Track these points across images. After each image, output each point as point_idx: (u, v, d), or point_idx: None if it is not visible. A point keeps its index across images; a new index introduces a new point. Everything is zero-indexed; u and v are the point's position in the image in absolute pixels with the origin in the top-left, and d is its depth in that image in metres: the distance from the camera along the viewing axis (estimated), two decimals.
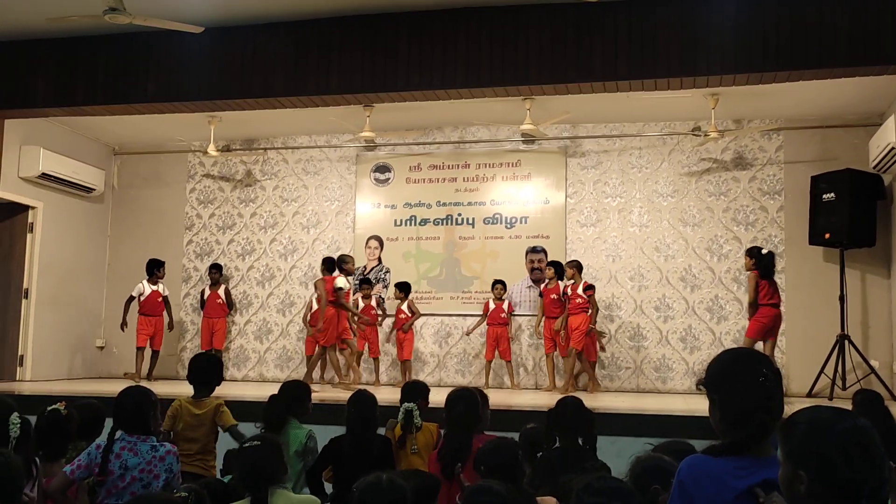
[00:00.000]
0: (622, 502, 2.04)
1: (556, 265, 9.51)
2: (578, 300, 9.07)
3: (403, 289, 10.08)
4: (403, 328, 9.94)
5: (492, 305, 9.76)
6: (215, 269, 10.67)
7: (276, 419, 4.50)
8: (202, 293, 10.72)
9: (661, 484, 2.49)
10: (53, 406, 3.79)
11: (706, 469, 2.13)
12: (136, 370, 10.10)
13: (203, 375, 4.91)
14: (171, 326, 10.40)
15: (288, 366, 10.74)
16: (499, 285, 9.78)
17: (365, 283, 10.11)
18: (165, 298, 10.25)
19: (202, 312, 10.66)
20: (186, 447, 4.62)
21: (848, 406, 2.98)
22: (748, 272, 8.40)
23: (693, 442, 3.19)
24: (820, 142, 9.58)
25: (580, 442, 4.00)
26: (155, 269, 10.19)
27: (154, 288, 10.17)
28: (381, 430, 4.64)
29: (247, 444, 3.23)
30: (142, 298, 10.10)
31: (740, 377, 2.21)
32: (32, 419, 3.80)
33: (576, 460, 3.73)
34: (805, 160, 9.57)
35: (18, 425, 3.51)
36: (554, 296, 9.38)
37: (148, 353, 10.10)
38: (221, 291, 10.62)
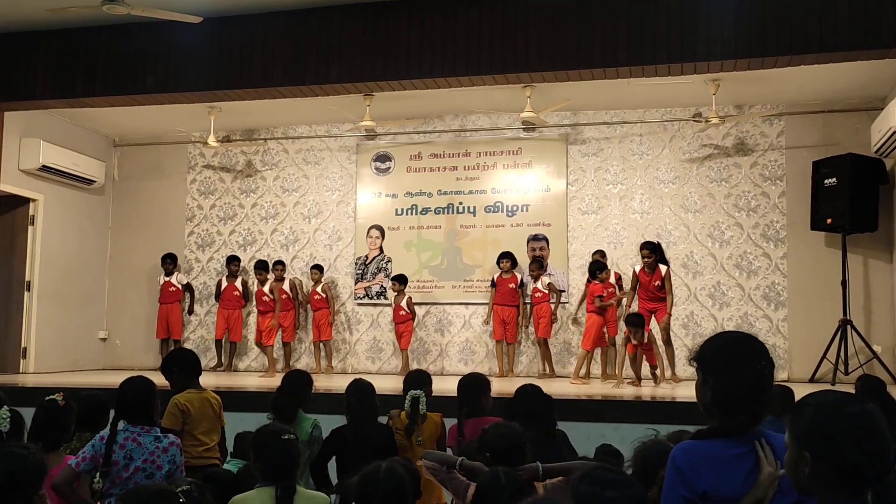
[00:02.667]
0: (618, 492, 2.05)
1: (511, 256, 9.81)
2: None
3: (402, 281, 10.06)
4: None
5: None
6: (234, 261, 10.66)
7: (290, 411, 4.51)
8: (218, 284, 10.70)
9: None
10: (51, 396, 3.79)
11: (704, 453, 2.15)
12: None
13: (196, 368, 4.91)
14: (189, 311, 10.90)
15: (292, 356, 10.75)
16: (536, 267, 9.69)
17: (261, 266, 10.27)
18: (186, 286, 10.85)
19: (218, 303, 10.63)
20: (204, 440, 4.54)
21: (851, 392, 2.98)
22: (659, 266, 8.56)
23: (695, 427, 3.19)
24: (821, 127, 9.56)
25: (544, 430, 3.99)
26: (163, 262, 10.76)
27: (167, 279, 10.72)
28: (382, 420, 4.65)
29: (285, 437, 3.25)
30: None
31: (738, 365, 2.20)
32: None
33: (542, 447, 3.68)
34: (806, 145, 9.55)
35: (8, 420, 3.51)
36: (511, 285, 9.70)
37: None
38: (238, 283, 10.61)
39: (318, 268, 10.42)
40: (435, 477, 3.25)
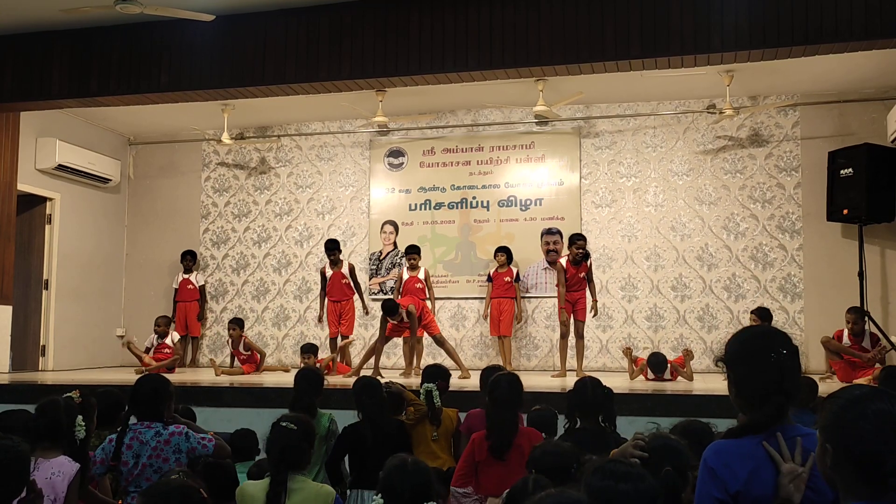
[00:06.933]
0: (630, 486, 2.05)
1: (506, 250, 9.76)
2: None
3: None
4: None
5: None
6: (332, 246, 9.59)
7: (312, 410, 4.54)
8: (322, 273, 9.73)
9: (672, 464, 2.48)
10: (67, 394, 3.83)
11: (735, 452, 2.15)
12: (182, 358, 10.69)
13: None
14: (199, 316, 10.76)
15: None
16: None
17: None
18: (201, 288, 10.81)
19: (325, 296, 9.66)
20: None
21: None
22: (584, 261, 8.46)
23: (711, 420, 3.18)
24: (837, 117, 9.49)
25: (601, 421, 4.00)
26: (183, 259, 10.79)
27: (185, 276, 10.79)
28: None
29: (284, 424, 3.25)
30: (178, 288, 10.85)
31: (755, 356, 2.22)
32: None
33: (599, 440, 3.73)
34: (822, 136, 9.48)
35: (84, 428, 3.53)
36: (507, 279, 9.67)
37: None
38: (345, 270, 9.62)
39: (414, 249, 9.56)
40: None
